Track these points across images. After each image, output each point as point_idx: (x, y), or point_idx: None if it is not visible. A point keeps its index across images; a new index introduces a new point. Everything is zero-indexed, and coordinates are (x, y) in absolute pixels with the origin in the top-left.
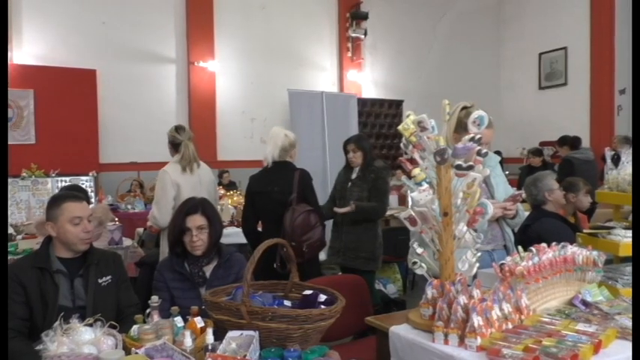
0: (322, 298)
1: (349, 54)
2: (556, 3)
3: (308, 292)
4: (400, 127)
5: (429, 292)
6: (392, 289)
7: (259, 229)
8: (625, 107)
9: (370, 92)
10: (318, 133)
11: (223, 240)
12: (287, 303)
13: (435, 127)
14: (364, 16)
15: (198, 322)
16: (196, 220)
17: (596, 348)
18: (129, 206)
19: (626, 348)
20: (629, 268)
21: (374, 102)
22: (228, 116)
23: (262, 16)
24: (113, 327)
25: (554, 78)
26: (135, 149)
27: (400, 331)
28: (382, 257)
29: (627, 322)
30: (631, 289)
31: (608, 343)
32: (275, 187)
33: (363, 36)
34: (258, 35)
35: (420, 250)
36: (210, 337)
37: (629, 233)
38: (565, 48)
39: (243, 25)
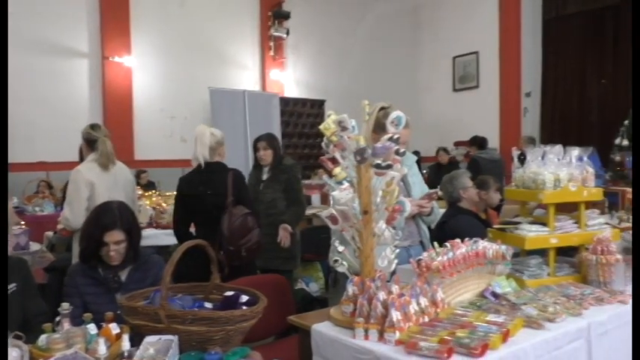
0: (244, 298)
1: (271, 53)
2: (468, 10)
3: (229, 293)
4: (321, 127)
5: (350, 289)
6: (314, 288)
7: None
8: (530, 109)
9: (292, 92)
10: (241, 133)
11: (141, 242)
12: (208, 305)
13: (355, 126)
14: (286, 16)
15: (113, 328)
16: (114, 236)
17: (505, 337)
18: (37, 208)
19: (530, 336)
20: (534, 261)
21: (296, 101)
22: (145, 114)
23: (182, 12)
24: (18, 337)
25: (467, 81)
26: (43, 148)
27: (322, 328)
28: (303, 256)
29: (532, 311)
30: (536, 280)
31: (515, 332)
32: (209, 190)
33: (285, 35)
34: (178, 31)
35: (341, 248)
36: (126, 344)
37: (534, 227)
38: (477, 52)
39: (161, 20)
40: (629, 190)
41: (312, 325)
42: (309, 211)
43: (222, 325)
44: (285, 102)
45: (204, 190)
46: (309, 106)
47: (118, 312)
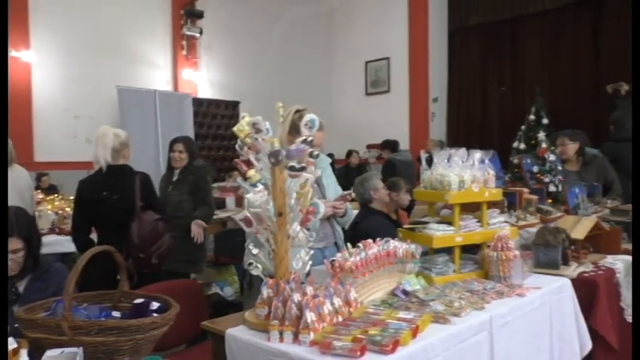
0: (154, 305)
1: (184, 52)
2: (380, 16)
3: (139, 300)
4: (235, 129)
5: (265, 291)
6: (229, 292)
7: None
8: (438, 114)
9: (206, 92)
10: (151, 134)
11: (42, 249)
12: (116, 314)
13: (269, 129)
14: (199, 15)
15: (10, 343)
16: (11, 244)
17: (414, 333)
18: None
19: (438, 330)
20: (441, 259)
21: (210, 102)
22: (47, 113)
23: (87, 6)
24: None
25: (378, 85)
26: None
27: (236, 333)
28: (217, 259)
29: (439, 307)
30: (443, 277)
31: (424, 328)
32: (115, 194)
33: (198, 34)
34: (83, 26)
35: (255, 251)
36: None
37: (442, 227)
38: (388, 58)
39: (65, 14)
40: (526, 190)
41: (226, 330)
42: (223, 214)
43: (132, 335)
44: (198, 103)
45: (109, 195)
46: (224, 108)
47: (16, 326)
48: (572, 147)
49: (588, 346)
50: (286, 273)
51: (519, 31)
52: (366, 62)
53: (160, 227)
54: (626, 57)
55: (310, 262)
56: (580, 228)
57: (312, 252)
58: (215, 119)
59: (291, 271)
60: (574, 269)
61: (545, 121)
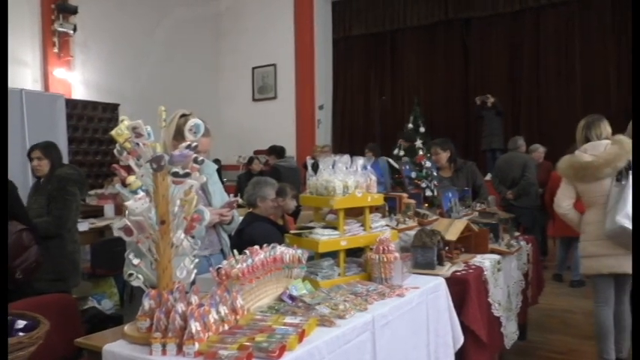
0: (20, 324)
1: (55, 50)
2: (267, 23)
3: None
4: (113, 133)
5: (147, 303)
6: (108, 305)
7: None
8: (323, 121)
9: (81, 93)
10: (17, 137)
11: None
12: None
13: (151, 133)
14: (73, 11)
15: None
16: None
17: (301, 337)
18: None
19: (324, 333)
20: (326, 263)
21: (86, 104)
22: None
23: None
24: None
25: (265, 91)
26: None
27: (115, 348)
28: (95, 271)
29: (325, 310)
30: (329, 281)
31: (310, 332)
32: None
33: (72, 31)
34: None
35: (136, 261)
36: None
37: (327, 232)
38: (275, 64)
39: None
40: (405, 195)
41: (104, 346)
42: (101, 223)
43: None
44: (73, 104)
45: None
46: (101, 110)
47: None
48: (443, 155)
49: (461, 340)
50: (170, 283)
51: (398, 43)
52: (253, 68)
53: (26, 238)
54: (492, 72)
55: (195, 271)
56: (453, 230)
57: (197, 260)
58: (92, 122)
59: (175, 280)
60: (448, 269)
61: (422, 129)
